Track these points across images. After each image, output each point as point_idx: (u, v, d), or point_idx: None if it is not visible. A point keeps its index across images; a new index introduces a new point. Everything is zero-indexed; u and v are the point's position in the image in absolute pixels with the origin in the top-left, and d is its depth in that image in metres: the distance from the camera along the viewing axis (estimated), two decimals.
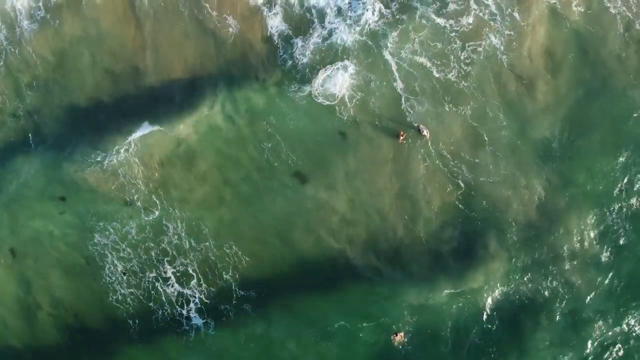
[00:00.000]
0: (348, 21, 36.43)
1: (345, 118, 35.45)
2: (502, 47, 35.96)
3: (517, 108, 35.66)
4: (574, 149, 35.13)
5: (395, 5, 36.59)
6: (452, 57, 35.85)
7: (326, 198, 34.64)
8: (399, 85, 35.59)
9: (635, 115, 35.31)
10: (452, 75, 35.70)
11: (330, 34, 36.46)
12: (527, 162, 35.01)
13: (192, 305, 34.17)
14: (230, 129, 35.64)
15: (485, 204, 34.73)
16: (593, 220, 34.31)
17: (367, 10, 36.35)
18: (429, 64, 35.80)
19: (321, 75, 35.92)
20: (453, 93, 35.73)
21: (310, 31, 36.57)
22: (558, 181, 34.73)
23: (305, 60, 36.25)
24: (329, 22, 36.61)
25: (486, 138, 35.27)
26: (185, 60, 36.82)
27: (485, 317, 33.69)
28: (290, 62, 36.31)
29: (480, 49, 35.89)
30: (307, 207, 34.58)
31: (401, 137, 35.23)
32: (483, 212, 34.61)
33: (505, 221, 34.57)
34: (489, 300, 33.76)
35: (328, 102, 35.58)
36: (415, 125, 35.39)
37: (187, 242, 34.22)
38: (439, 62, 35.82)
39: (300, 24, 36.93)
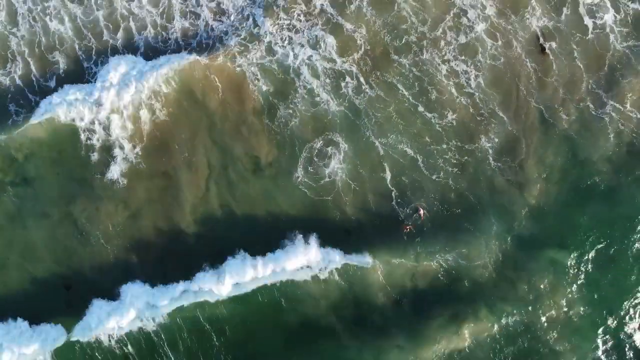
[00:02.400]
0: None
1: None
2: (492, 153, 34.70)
3: (507, 210, 34.29)
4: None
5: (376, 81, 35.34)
6: (439, 158, 34.25)
7: None
8: (388, 176, 34.12)
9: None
10: (440, 177, 34.10)
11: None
12: (511, 257, 33.85)
13: None
14: None
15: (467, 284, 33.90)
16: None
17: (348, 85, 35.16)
18: (418, 159, 34.31)
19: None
20: (442, 192, 34.36)
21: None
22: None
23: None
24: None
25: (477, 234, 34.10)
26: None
27: None
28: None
29: (470, 148, 34.52)
30: None
31: (406, 229, 33.55)
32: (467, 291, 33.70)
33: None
34: None
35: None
36: (414, 205, 33.84)
37: None
38: (426, 159, 34.32)
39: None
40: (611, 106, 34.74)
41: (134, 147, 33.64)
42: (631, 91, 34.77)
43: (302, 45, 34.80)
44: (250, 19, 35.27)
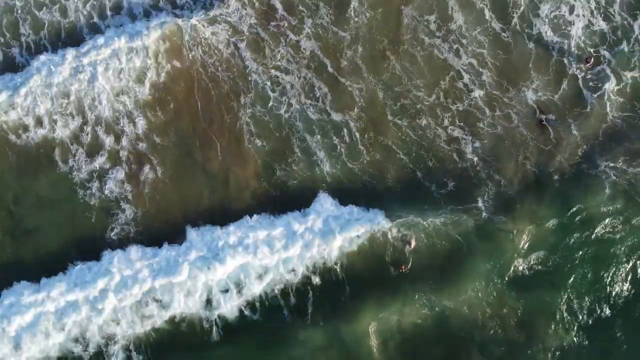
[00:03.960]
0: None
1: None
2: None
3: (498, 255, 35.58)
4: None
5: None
6: (436, 218, 35.49)
7: None
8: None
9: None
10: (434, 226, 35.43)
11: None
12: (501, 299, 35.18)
13: None
14: None
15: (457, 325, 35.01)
16: None
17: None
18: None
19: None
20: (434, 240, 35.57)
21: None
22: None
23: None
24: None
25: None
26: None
27: None
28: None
29: None
30: None
31: (403, 269, 35.13)
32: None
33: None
34: None
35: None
36: (407, 237, 35.07)
37: None
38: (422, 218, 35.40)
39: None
40: (606, 165, 35.92)
41: None
42: (627, 154, 35.93)
43: (295, 90, 36.31)
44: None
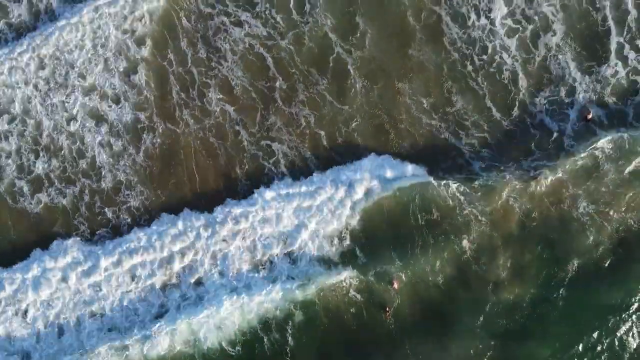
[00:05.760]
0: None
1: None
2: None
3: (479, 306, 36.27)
4: None
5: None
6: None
7: None
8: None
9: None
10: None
11: None
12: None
13: None
14: None
15: None
16: None
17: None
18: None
19: None
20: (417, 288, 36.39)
21: None
22: None
23: None
24: None
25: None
26: None
27: None
28: None
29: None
30: None
31: (387, 312, 35.67)
32: None
33: None
34: None
35: None
36: (392, 279, 35.65)
37: None
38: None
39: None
40: (591, 210, 36.18)
41: None
42: (610, 204, 36.14)
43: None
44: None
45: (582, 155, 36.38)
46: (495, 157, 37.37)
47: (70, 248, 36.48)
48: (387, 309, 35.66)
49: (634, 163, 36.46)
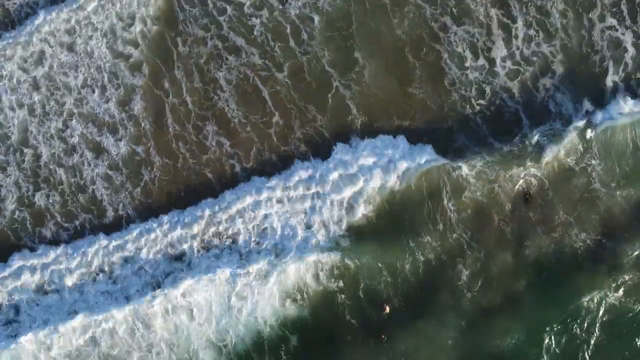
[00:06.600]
0: None
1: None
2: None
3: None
4: None
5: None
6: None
7: None
8: None
9: None
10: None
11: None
12: None
13: None
14: None
15: None
16: None
17: None
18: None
19: None
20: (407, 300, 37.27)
21: None
22: None
23: None
24: None
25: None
26: None
27: None
28: None
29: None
30: None
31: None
32: None
33: None
34: None
35: None
36: (383, 302, 36.51)
37: None
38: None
39: None
40: (584, 236, 36.57)
41: None
42: (605, 227, 36.51)
43: None
44: None
45: None
46: None
47: None
48: (382, 336, 36.50)
49: None
